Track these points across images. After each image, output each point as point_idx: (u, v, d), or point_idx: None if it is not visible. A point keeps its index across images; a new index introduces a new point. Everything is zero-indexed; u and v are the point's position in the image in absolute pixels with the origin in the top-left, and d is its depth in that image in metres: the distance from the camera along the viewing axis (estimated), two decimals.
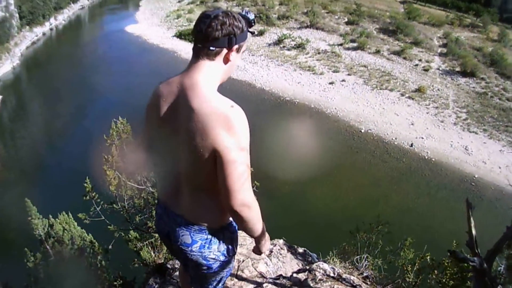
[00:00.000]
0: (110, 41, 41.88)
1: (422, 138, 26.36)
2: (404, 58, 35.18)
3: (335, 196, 20.62)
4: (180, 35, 40.57)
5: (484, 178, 23.19)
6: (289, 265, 5.05)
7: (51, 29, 46.73)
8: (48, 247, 6.91)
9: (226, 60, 1.98)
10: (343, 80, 32.79)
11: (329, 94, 31.26)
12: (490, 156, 24.83)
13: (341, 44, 37.68)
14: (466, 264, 3.76)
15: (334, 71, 33.97)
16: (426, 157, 24.84)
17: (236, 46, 1.96)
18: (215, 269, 2.25)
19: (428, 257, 4.88)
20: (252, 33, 2.11)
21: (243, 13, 2.02)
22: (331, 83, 32.56)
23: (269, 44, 38.94)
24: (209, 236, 2.14)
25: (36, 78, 36.01)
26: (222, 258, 2.22)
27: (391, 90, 31.33)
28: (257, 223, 2.05)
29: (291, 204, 19.42)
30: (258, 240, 2.24)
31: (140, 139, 2.54)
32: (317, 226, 17.45)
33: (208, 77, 1.92)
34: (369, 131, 27.26)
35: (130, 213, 6.10)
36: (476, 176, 23.37)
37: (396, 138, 26.43)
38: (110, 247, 6.75)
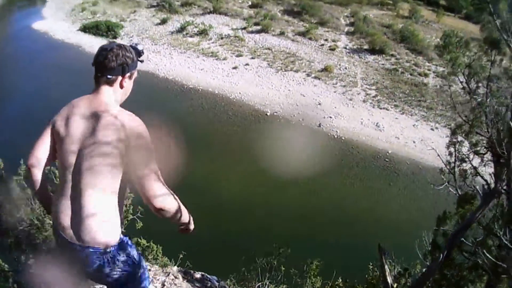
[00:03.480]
0: (16, 40, 38.12)
1: (331, 117, 24.52)
2: (310, 38, 33.64)
3: (241, 183, 18.61)
4: (85, 29, 37.55)
5: (398, 154, 21.80)
6: None
7: None
8: None
9: (121, 85, 2.27)
10: (247, 64, 30.64)
11: (233, 79, 29.07)
12: (403, 131, 23.51)
13: (244, 28, 35.66)
14: None
15: (237, 56, 31.79)
16: (336, 136, 23.06)
17: (128, 74, 2.28)
18: (129, 276, 2.22)
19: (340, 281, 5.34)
20: (141, 61, 2.39)
21: (133, 45, 2.35)
22: (234, 67, 30.35)
23: (172, 32, 36.42)
24: (107, 256, 2.06)
25: None
26: (128, 268, 2.19)
27: (296, 71, 29.56)
28: (180, 212, 2.17)
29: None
30: (187, 224, 2.32)
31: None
32: (218, 225, 14.69)
33: (110, 98, 2.21)
34: (275, 113, 25.13)
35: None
36: (390, 152, 21.89)
37: (303, 119, 24.36)
38: None
